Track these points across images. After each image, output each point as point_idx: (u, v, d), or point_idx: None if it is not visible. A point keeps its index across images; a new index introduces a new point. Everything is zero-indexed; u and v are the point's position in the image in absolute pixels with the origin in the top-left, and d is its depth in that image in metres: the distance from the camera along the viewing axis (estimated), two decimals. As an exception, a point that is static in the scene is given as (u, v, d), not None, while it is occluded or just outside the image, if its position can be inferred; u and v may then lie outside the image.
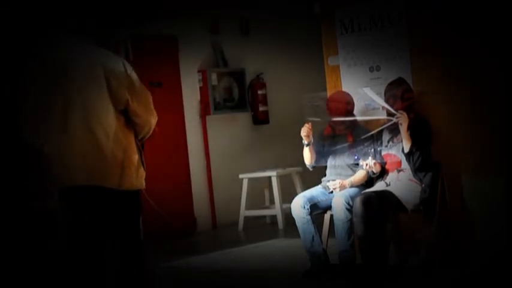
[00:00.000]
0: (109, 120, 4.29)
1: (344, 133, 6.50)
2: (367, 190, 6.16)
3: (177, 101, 9.78)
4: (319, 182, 6.61)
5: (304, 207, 6.32)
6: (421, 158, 5.97)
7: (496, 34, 6.04)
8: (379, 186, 6.18)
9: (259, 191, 10.02)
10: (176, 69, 9.83)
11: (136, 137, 4.46)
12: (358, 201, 6.03)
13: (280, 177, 9.68)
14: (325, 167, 6.64)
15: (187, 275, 7.25)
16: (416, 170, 6.04)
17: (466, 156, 6.25)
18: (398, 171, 6.16)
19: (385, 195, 5.96)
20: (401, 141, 6.07)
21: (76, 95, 4.29)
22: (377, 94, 6.26)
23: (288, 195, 8.42)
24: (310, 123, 6.42)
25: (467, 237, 6.24)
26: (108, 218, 4.37)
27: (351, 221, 6.16)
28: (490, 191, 6.13)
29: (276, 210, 9.58)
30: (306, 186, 7.30)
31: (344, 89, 6.81)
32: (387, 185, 6.13)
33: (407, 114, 6.03)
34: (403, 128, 5.99)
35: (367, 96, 6.38)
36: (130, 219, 4.45)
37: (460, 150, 6.27)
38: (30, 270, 7.74)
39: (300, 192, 7.44)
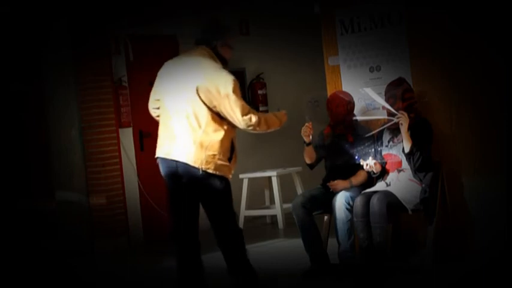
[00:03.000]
0: (202, 116, 5.40)
1: (344, 133, 6.50)
2: (367, 190, 6.17)
3: (177, 101, 9.77)
4: (319, 182, 6.61)
5: (304, 207, 6.32)
6: (422, 158, 5.97)
7: (497, 34, 6.04)
8: (379, 186, 6.19)
9: (259, 191, 10.01)
10: (176, 69, 9.81)
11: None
12: (358, 201, 6.04)
13: (280, 177, 9.67)
14: (326, 167, 6.65)
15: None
16: (417, 170, 6.04)
17: (466, 156, 6.26)
18: (399, 171, 6.16)
19: (385, 195, 5.96)
20: (402, 141, 6.07)
21: (182, 94, 5.47)
22: (377, 94, 6.26)
23: (288, 195, 8.41)
24: (310, 123, 6.42)
25: (467, 237, 6.25)
26: (193, 190, 5.55)
27: (351, 221, 6.16)
28: (490, 191, 6.13)
29: (276, 210, 9.57)
30: (306, 186, 7.30)
31: (344, 89, 6.81)
32: (387, 185, 6.13)
33: (408, 114, 6.03)
34: (404, 129, 5.99)
35: (367, 96, 6.39)
36: (215, 197, 5.55)
37: (460, 150, 6.27)
38: (27, 269, 7.74)
39: (300, 192, 7.44)
